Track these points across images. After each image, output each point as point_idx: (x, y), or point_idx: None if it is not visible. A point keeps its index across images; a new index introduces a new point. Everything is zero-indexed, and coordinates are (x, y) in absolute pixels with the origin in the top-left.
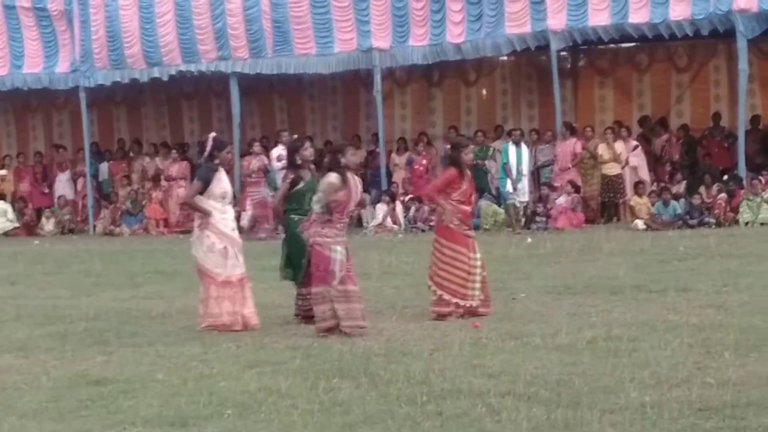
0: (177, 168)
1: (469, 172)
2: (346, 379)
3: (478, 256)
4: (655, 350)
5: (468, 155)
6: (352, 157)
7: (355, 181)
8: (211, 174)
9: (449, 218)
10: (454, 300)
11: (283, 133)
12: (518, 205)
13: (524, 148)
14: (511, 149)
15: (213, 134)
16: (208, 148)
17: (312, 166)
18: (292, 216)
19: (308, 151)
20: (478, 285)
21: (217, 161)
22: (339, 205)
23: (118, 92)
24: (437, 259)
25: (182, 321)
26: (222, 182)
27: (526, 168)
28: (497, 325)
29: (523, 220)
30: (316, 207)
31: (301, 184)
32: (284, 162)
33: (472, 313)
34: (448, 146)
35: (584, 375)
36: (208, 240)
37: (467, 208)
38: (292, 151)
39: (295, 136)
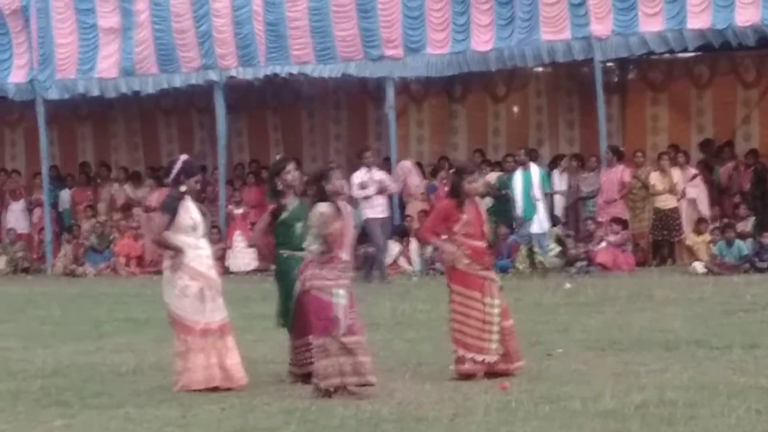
0: (157, 197)
1: (476, 201)
2: None
3: (497, 302)
4: (716, 418)
5: (472, 184)
6: (339, 181)
7: (348, 210)
8: (176, 204)
9: (452, 259)
10: (470, 355)
11: (366, 153)
12: (538, 249)
13: (533, 167)
14: (517, 176)
15: (184, 156)
16: (175, 171)
17: (298, 192)
18: (281, 251)
19: (290, 176)
20: (495, 337)
21: (183, 188)
22: (335, 239)
23: (82, 106)
24: (451, 309)
25: (156, 378)
26: (190, 211)
27: (538, 191)
28: (529, 387)
29: (560, 260)
30: (313, 246)
31: (285, 214)
32: (369, 189)
33: (490, 370)
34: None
35: None
36: (181, 282)
37: (478, 243)
38: (273, 174)
39: (278, 156)
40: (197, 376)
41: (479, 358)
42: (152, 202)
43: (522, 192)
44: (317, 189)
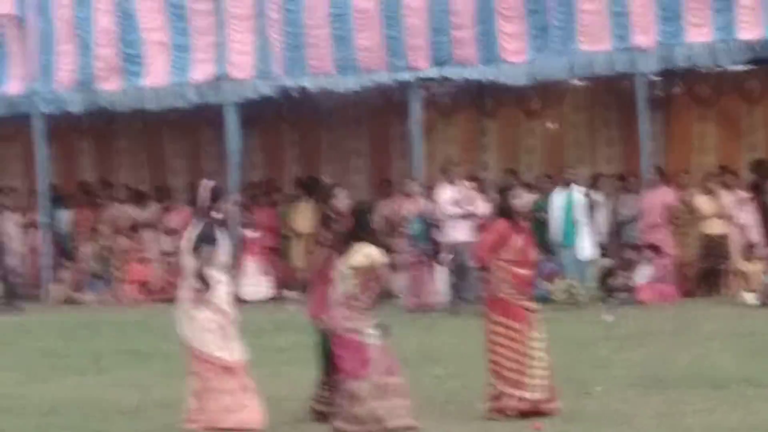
0: (178, 218)
1: (524, 224)
2: None
3: (542, 335)
4: None
5: (521, 199)
6: (386, 216)
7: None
8: (215, 235)
9: (496, 287)
10: (510, 391)
11: (451, 167)
12: (574, 282)
13: (576, 188)
14: (557, 197)
15: (210, 182)
16: (206, 199)
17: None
18: None
19: (343, 204)
20: (540, 372)
21: (219, 215)
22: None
23: (83, 120)
24: (489, 340)
25: (162, 417)
26: (224, 245)
27: (582, 214)
28: (565, 427)
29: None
30: (345, 287)
31: None
32: (463, 208)
33: (533, 409)
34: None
35: None
36: (203, 315)
37: (524, 272)
38: (325, 200)
39: (328, 181)
40: (228, 418)
41: (516, 393)
42: (172, 222)
43: (562, 215)
44: (365, 228)
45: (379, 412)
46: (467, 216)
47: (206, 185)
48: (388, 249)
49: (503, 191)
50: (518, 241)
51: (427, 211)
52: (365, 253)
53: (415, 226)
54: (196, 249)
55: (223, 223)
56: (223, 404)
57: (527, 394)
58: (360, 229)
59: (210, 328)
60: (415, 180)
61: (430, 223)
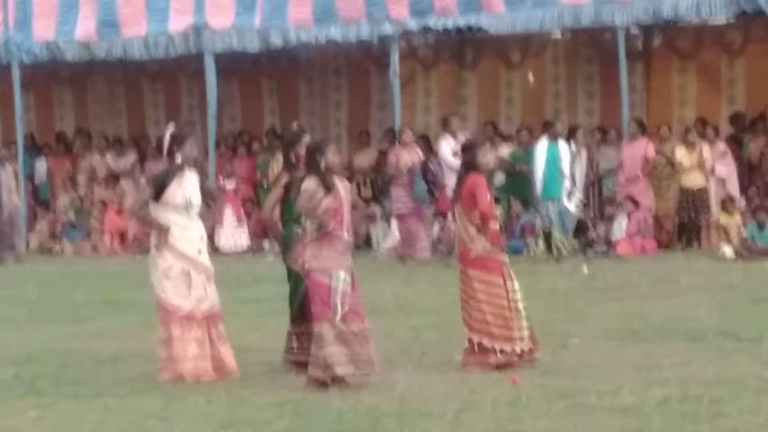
0: (155, 168)
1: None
2: None
3: (517, 285)
4: (744, 415)
5: (486, 157)
6: (334, 157)
7: (344, 185)
8: (169, 178)
9: (475, 242)
10: (498, 346)
11: (452, 118)
12: (558, 234)
13: (561, 143)
14: (541, 149)
15: (171, 127)
16: (165, 144)
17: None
18: (295, 228)
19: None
20: (525, 323)
21: (179, 159)
22: (331, 214)
23: (61, 69)
24: (467, 296)
25: (138, 366)
26: (185, 188)
27: (567, 167)
28: (542, 380)
29: (578, 242)
30: (308, 225)
31: None
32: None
33: (521, 359)
34: (461, 148)
35: None
36: (164, 262)
37: (495, 226)
38: (289, 145)
39: (295, 125)
40: (187, 367)
41: (508, 348)
42: (148, 173)
43: (547, 168)
44: (311, 163)
45: (341, 358)
46: None
47: (166, 131)
48: (329, 185)
49: (470, 148)
50: (489, 195)
51: (422, 161)
52: (303, 187)
53: (418, 185)
54: (145, 191)
55: (182, 168)
56: (189, 353)
57: (517, 347)
58: (309, 166)
59: (170, 275)
60: (408, 128)
61: (428, 176)
